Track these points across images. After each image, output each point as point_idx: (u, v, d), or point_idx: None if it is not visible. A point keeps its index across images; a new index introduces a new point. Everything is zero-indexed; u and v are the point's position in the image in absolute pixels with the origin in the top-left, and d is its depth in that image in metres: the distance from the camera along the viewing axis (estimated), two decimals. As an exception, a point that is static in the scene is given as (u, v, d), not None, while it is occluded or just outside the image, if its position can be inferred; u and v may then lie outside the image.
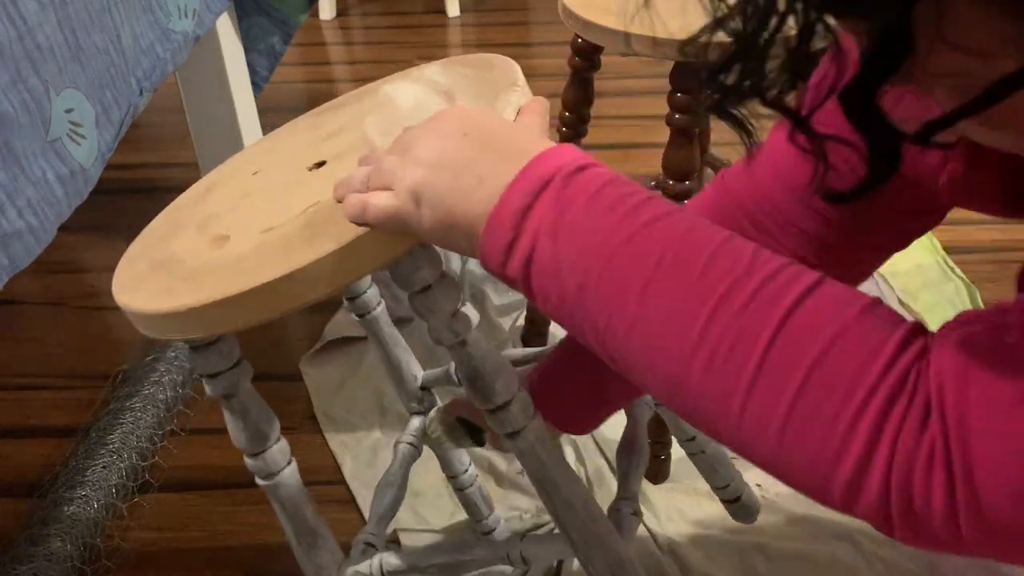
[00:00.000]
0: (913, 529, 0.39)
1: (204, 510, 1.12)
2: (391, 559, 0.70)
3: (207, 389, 0.62)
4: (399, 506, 0.85)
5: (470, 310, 0.59)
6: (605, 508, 1.08)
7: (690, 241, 0.43)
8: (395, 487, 0.84)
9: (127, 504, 1.11)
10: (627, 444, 0.83)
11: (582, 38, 1.02)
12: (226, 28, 1.39)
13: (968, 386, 0.37)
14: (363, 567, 0.70)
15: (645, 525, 1.05)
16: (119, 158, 1.08)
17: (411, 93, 0.66)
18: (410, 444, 0.87)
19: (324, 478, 1.16)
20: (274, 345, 1.40)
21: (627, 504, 0.77)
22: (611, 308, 0.44)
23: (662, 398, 0.45)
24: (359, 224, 0.51)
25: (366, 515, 1.09)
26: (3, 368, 1.38)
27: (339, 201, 0.53)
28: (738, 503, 0.99)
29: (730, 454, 1.02)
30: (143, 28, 1.05)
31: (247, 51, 1.48)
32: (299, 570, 1.07)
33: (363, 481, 1.14)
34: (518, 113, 0.57)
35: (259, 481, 0.66)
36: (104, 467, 1.10)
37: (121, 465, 1.12)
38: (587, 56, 1.08)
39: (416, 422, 0.88)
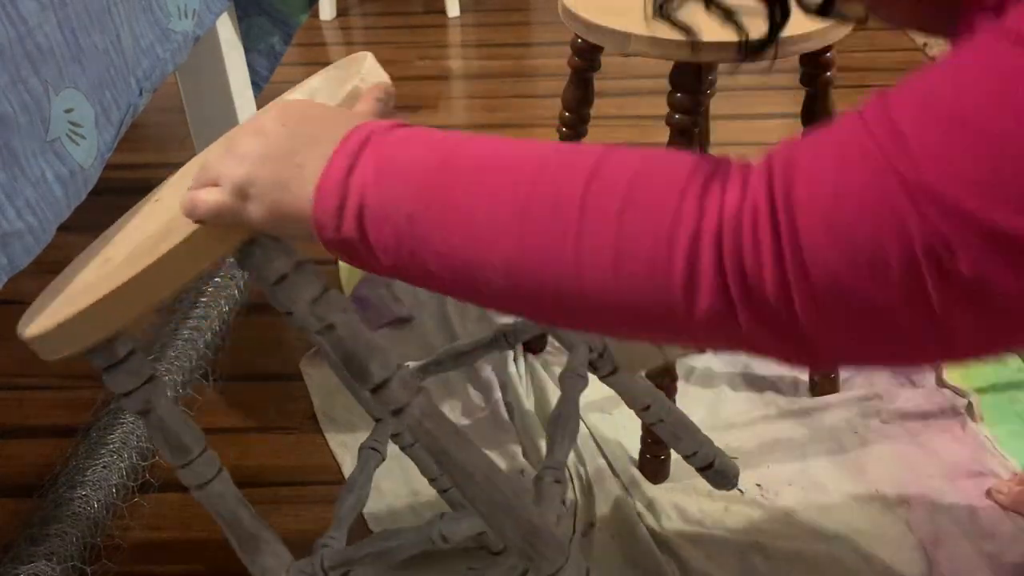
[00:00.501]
0: (752, 308, 0.39)
1: (204, 510, 1.12)
2: (331, 554, 0.72)
3: (125, 407, 0.64)
4: (361, 508, 0.87)
5: (336, 294, 0.60)
6: (607, 508, 1.09)
7: (501, 147, 0.46)
8: (355, 491, 0.85)
9: (127, 504, 1.11)
10: (557, 415, 0.84)
11: (582, 38, 1.02)
12: (226, 28, 1.39)
13: (794, 146, 0.39)
14: (305, 566, 0.71)
15: (645, 524, 1.05)
16: (119, 158, 1.08)
17: None
18: (373, 449, 0.88)
19: (324, 478, 1.16)
20: (274, 345, 1.40)
21: (550, 472, 0.78)
22: (443, 226, 0.45)
23: (510, 288, 0.46)
24: (195, 221, 0.53)
25: (366, 515, 1.09)
26: (3, 368, 1.38)
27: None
28: (712, 469, 0.99)
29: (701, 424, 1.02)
30: (143, 28, 1.05)
31: (247, 51, 1.48)
32: (299, 570, 1.07)
33: (363, 481, 1.15)
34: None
35: (192, 492, 0.67)
36: (104, 467, 1.10)
37: (121, 465, 1.12)
38: (587, 56, 1.08)
39: (380, 427, 0.89)
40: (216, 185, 0.52)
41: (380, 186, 0.47)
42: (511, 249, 0.44)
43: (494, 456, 1.15)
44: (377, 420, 0.90)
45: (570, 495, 1.10)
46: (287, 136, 0.50)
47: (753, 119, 2.04)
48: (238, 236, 0.55)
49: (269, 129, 0.51)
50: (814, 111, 1.04)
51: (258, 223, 0.51)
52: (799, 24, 0.90)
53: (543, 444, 1.17)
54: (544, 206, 0.43)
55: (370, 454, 0.89)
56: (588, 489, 1.11)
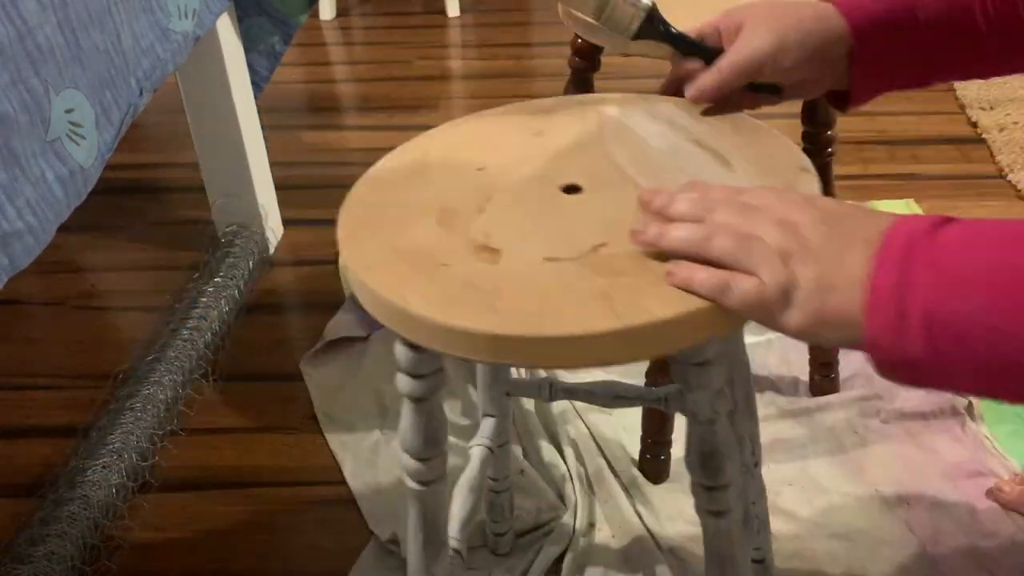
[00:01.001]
0: None
1: (204, 510, 1.12)
2: None
3: (402, 386, 0.61)
4: (480, 509, 0.84)
5: (727, 392, 0.59)
6: (607, 508, 1.08)
7: None
8: (476, 491, 0.81)
9: (127, 504, 1.11)
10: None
11: (582, 38, 1.02)
12: (226, 28, 1.39)
13: None
14: None
15: (645, 525, 1.05)
16: (119, 158, 1.08)
17: (659, 132, 0.64)
18: (485, 447, 0.85)
19: (324, 478, 1.16)
20: (274, 345, 1.40)
21: None
22: None
23: None
24: (693, 291, 0.48)
25: (366, 515, 1.09)
26: (3, 368, 1.38)
27: (640, 242, 0.51)
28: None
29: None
30: (143, 28, 1.05)
31: (247, 51, 1.48)
32: (298, 570, 1.07)
33: (363, 481, 1.14)
34: None
35: (413, 485, 0.67)
36: (104, 467, 1.10)
37: (121, 465, 1.12)
38: (587, 56, 1.08)
39: (489, 424, 0.86)
40: (752, 274, 0.47)
41: (946, 298, 0.41)
42: None
43: (494, 456, 1.15)
44: (485, 416, 0.87)
45: (570, 495, 1.10)
46: (826, 235, 0.46)
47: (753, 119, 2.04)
48: (736, 324, 0.50)
49: (813, 226, 0.47)
50: (814, 111, 1.04)
51: (794, 328, 0.47)
52: (799, 24, 0.90)
53: (543, 444, 1.17)
54: None
55: (483, 452, 0.84)
56: (588, 489, 1.11)
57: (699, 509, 0.63)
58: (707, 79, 0.64)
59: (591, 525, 1.06)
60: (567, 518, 1.06)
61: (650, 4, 0.66)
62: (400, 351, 0.60)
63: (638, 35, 0.67)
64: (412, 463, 0.66)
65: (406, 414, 0.64)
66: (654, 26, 0.66)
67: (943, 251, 0.43)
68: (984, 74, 0.68)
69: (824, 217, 0.47)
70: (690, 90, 0.65)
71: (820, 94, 0.69)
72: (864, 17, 0.63)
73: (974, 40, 0.64)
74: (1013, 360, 0.40)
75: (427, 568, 0.69)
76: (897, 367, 0.44)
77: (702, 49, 0.66)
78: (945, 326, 0.41)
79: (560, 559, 1.02)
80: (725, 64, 0.64)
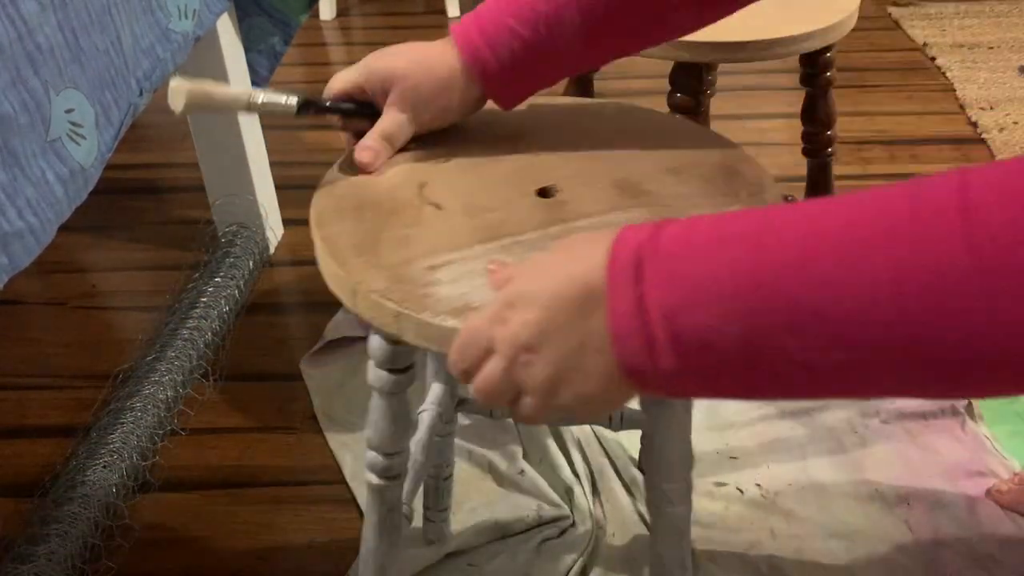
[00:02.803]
0: None
1: (204, 510, 1.12)
2: None
3: (376, 381, 0.64)
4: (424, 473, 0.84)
5: None
6: (608, 507, 1.08)
7: (812, 221, 0.40)
8: (426, 453, 0.81)
9: (127, 504, 1.11)
10: None
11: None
12: (226, 28, 1.39)
13: None
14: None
15: (645, 524, 1.05)
16: (119, 158, 1.08)
17: None
18: (434, 412, 0.84)
19: (324, 478, 1.16)
20: (274, 345, 1.40)
21: None
22: (799, 328, 0.39)
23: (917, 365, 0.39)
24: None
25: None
26: (3, 368, 1.38)
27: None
28: None
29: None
30: (143, 29, 1.05)
31: (247, 51, 1.48)
32: (298, 570, 1.07)
33: (363, 481, 1.14)
34: None
35: (375, 480, 0.69)
36: (104, 467, 1.10)
37: (121, 465, 1.12)
38: (587, 56, 1.08)
39: (437, 390, 0.86)
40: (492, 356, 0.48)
41: (688, 311, 0.41)
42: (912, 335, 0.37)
43: (495, 456, 1.15)
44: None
45: (580, 497, 1.10)
46: (554, 326, 0.45)
47: (753, 119, 2.05)
48: None
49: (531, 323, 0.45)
50: (814, 111, 1.05)
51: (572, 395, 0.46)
52: (799, 24, 0.90)
53: (545, 444, 1.17)
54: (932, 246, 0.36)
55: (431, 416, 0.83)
56: (593, 488, 1.11)
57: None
58: (364, 156, 0.67)
59: (598, 526, 1.06)
60: (584, 524, 1.06)
61: (297, 100, 0.70)
62: (382, 350, 0.62)
63: (301, 114, 0.71)
64: (380, 459, 0.68)
65: (377, 408, 0.66)
66: (309, 109, 0.71)
67: (673, 261, 0.42)
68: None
69: (546, 305, 0.45)
70: (359, 155, 0.68)
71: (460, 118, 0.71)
72: (482, 60, 0.65)
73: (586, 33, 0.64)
74: (766, 354, 0.40)
75: (389, 556, 0.70)
76: (662, 389, 0.43)
77: (361, 113, 0.71)
78: (690, 341, 0.41)
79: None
80: (376, 140, 0.68)
